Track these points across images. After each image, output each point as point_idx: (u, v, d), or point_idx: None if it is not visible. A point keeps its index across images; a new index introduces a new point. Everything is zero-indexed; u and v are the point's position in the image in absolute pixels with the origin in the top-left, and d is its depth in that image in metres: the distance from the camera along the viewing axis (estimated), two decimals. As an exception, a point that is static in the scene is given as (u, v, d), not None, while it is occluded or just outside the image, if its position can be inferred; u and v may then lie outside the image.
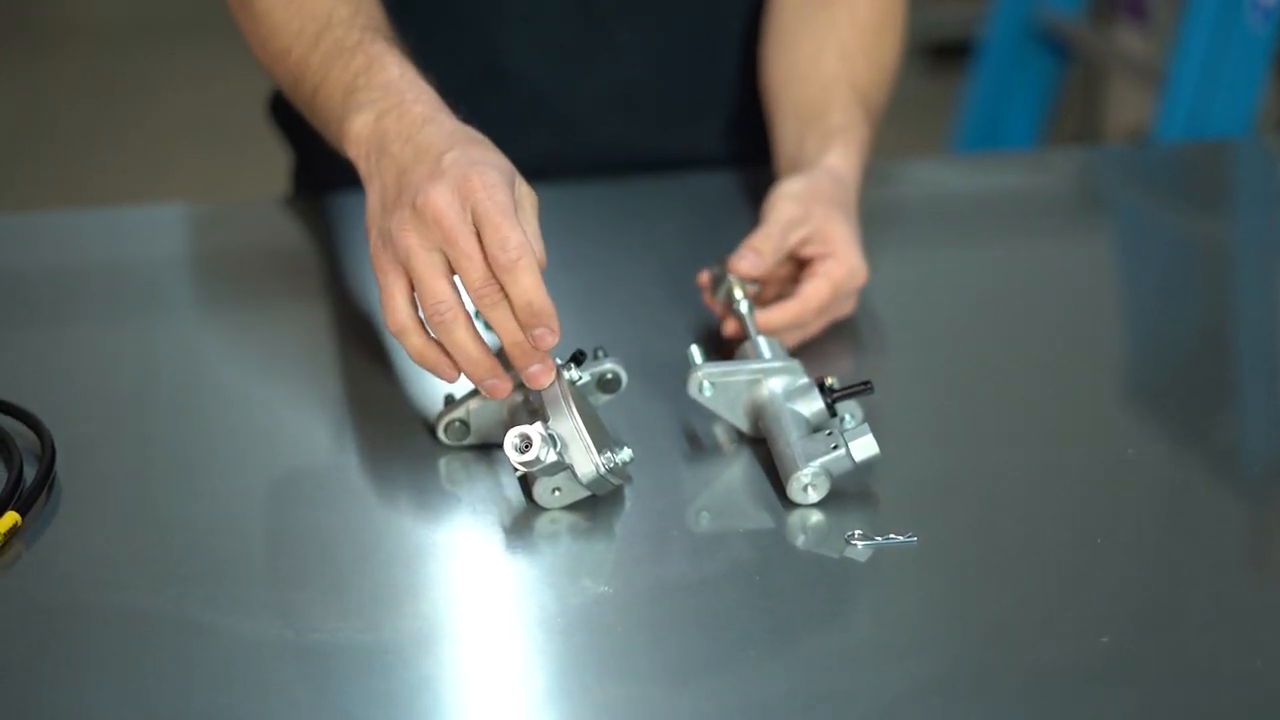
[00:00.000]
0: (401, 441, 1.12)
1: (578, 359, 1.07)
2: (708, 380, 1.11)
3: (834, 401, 1.09)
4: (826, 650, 0.95)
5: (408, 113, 1.10)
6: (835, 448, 1.04)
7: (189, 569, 1.01)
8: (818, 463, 1.04)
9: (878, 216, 1.35)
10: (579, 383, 1.08)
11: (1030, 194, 1.71)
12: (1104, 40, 3.27)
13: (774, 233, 1.22)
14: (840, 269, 1.22)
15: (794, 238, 1.23)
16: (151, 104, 4.56)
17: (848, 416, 1.10)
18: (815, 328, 1.24)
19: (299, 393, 1.23)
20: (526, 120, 1.55)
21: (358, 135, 1.11)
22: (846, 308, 1.26)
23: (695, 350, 1.13)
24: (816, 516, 1.07)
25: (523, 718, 0.91)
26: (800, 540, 1.05)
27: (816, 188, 1.26)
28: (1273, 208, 1.74)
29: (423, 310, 1.05)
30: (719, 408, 1.12)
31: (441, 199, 1.03)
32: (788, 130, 1.39)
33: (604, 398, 1.11)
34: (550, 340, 1.03)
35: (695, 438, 1.14)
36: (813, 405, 1.09)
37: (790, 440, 1.06)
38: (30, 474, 1.07)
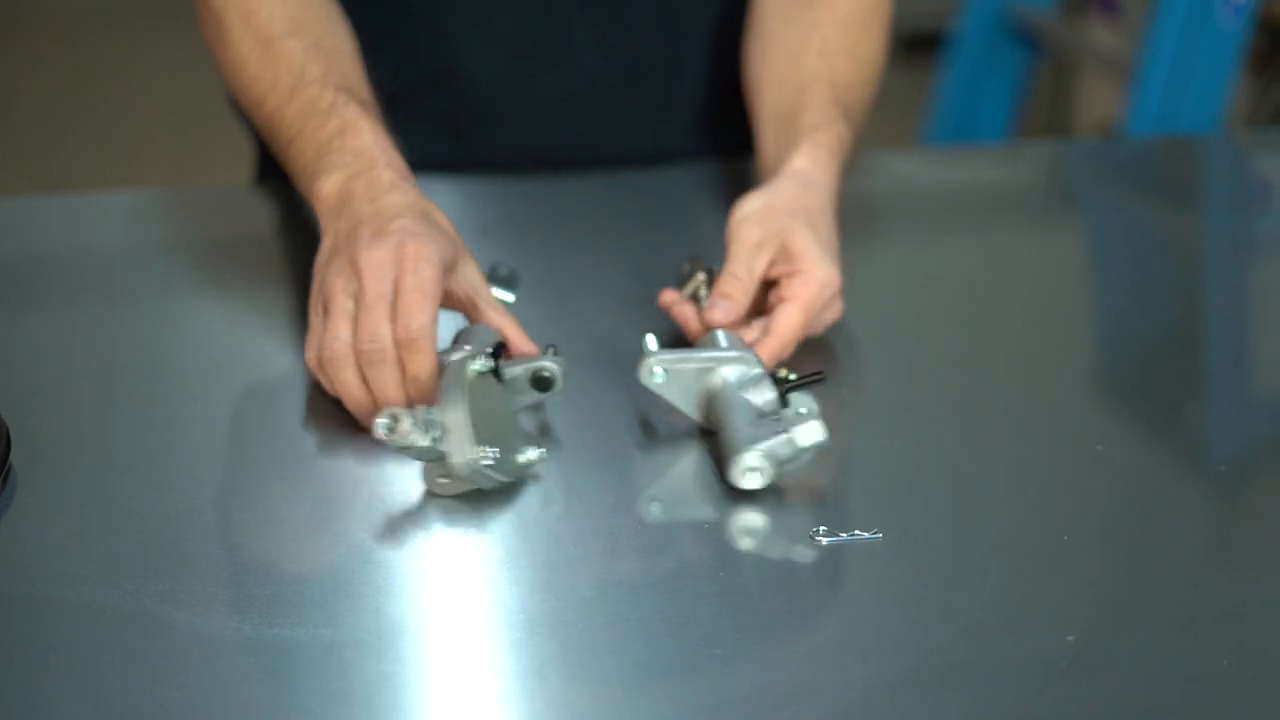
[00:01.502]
0: (363, 434, 1.10)
1: (496, 352, 1.07)
2: (660, 366, 1.10)
3: (786, 392, 1.07)
4: (792, 648, 0.94)
5: (376, 179, 1.16)
6: (779, 432, 1.03)
7: (147, 562, 0.99)
8: (761, 446, 1.03)
9: (849, 209, 1.33)
10: (505, 377, 1.08)
11: (1001, 187, 1.70)
12: (1076, 34, 3.27)
13: (740, 271, 1.18)
14: (808, 287, 1.17)
15: (760, 265, 1.19)
16: (120, 89, 4.54)
17: (802, 410, 1.08)
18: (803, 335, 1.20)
19: (260, 382, 1.22)
20: (482, 121, 1.55)
21: (326, 194, 1.18)
22: (831, 315, 1.22)
23: (650, 338, 1.12)
24: (781, 513, 1.06)
25: (484, 716, 0.90)
26: (764, 537, 1.04)
27: (775, 201, 1.23)
28: (1242, 203, 1.75)
29: (320, 341, 1.10)
30: (671, 395, 1.11)
31: (374, 256, 1.09)
32: (766, 135, 1.37)
33: (537, 395, 1.10)
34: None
35: (653, 430, 1.14)
36: (765, 395, 1.07)
37: (736, 425, 1.05)
38: (-15, 466, 1.05)
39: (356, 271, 1.09)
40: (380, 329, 1.08)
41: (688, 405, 1.11)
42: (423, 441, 1.00)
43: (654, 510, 1.06)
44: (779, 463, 1.03)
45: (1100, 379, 1.30)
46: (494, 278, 1.21)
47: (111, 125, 4.27)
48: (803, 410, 1.07)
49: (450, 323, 1.16)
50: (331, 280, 1.11)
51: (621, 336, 1.24)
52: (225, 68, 1.32)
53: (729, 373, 1.10)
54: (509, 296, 1.21)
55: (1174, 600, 0.99)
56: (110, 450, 1.13)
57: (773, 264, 1.20)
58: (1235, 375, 1.35)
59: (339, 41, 1.31)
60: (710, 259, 1.25)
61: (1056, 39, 3.18)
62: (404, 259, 1.09)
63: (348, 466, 1.09)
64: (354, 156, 1.18)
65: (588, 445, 1.12)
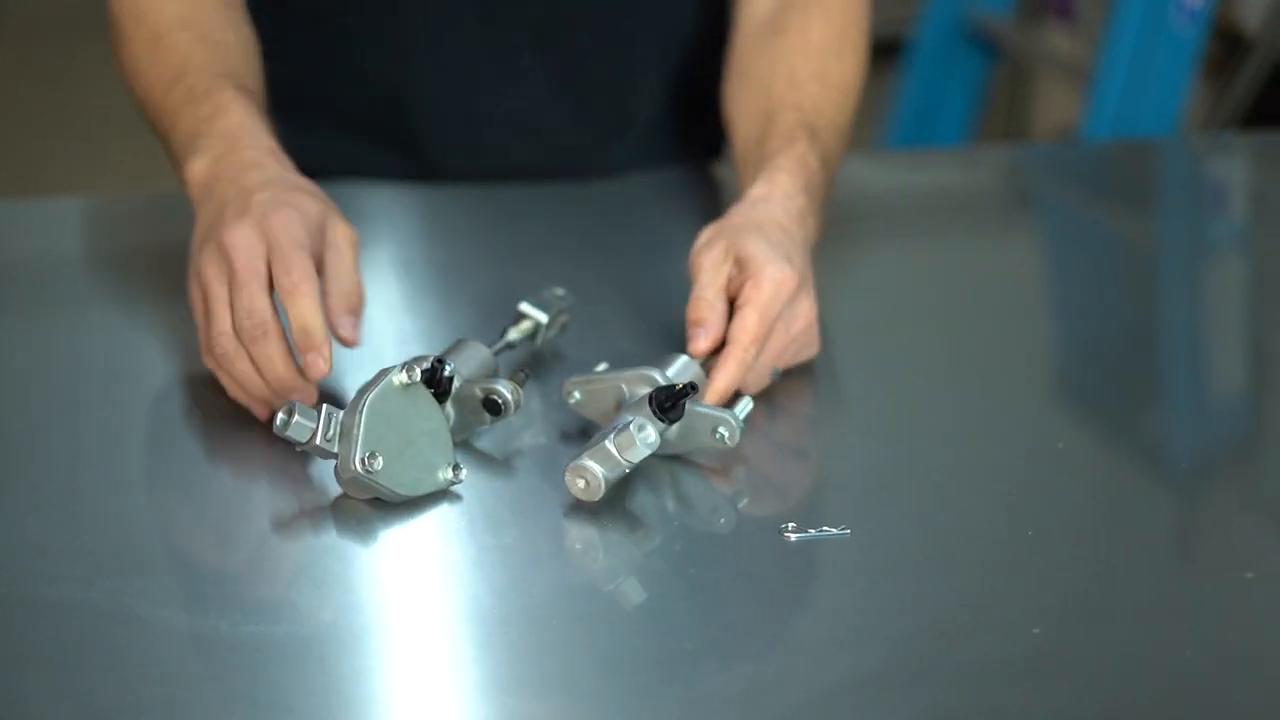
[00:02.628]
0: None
1: (432, 368, 1.06)
2: (576, 390, 1.12)
3: (664, 406, 1.05)
4: (762, 642, 0.96)
5: (238, 158, 1.16)
6: (601, 440, 1.03)
7: (124, 561, 1.00)
8: (582, 458, 1.03)
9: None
10: (458, 394, 1.09)
11: (960, 191, 1.72)
12: (1033, 40, 3.30)
13: (705, 293, 1.15)
14: (760, 288, 1.13)
15: (721, 279, 1.16)
16: (87, 95, 4.51)
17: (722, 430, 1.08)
18: (778, 360, 1.18)
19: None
20: (435, 144, 1.56)
21: (194, 178, 1.18)
22: (801, 325, 1.18)
23: (603, 365, 1.14)
24: (750, 509, 1.08)
25: (456, 712, 0.91)
26: (732, 532, 1.06)
27: (724, 223, 1.20)
28: (1198, 206, 1.77)
29: (207, 339, 1.10)
30: (592, 414, 1.13)
31: (237, 234, 1.09)
32: (739, 170, 1.37)
33: (489, 418, 1.10)
34: (321, 368, 1.08)
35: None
36: (638, 410, 1.06)
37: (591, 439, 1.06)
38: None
39: (225, 253, 1.09)
40: (257, 303, 1.08)
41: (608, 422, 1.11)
42: (309, 438, 1.02)
43: (622, 507, 1.06)
44: (604, 473, 1.03)
45: (1060, 379, 1.32)
46: (537, 298, 1.22)
47: (77, 132, 4.26)
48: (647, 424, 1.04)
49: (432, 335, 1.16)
50: (204, 269, 1.10)
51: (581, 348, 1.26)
52: (121, 67, 1.35)
53: (630, 388, 1.11)
54: (541, 316, 1.21)
55: (1137, 595, 1.00)
56: (80, 451, 1.14)
57: (730, 281, 1.16)
58: (1193, 375, 1.36)
59: (231, 35, 1.33)
60: (653, 266, 1.28)
61: (1013, 44, 3.21)
62: (269, 227, 1.09)
63: (318, 463, 1.09)
64: (220, 138, 1.18)
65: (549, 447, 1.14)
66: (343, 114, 1.56)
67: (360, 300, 1.14)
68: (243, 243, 1.09)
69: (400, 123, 1.55)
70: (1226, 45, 2.95)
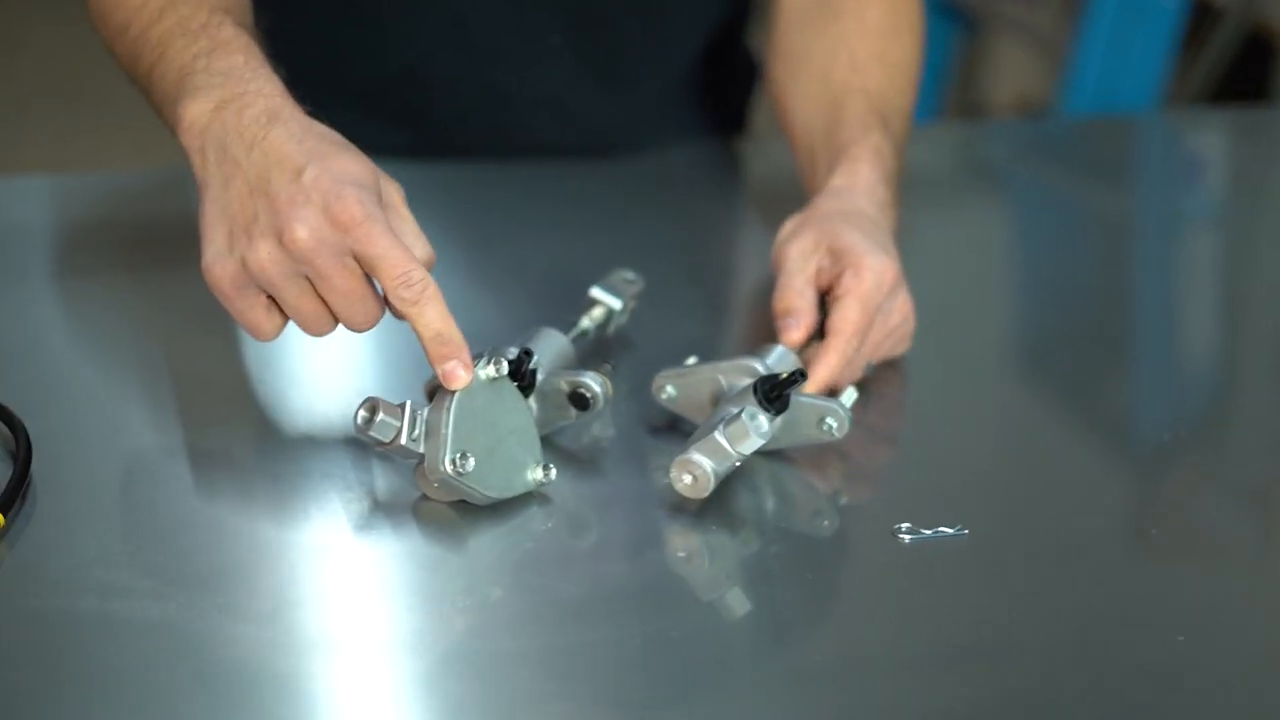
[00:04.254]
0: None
1: (518, 360, 1.00)
2: (669, 384, 1.06)
3: (770, 395, 0.99)
4: (893, 656, 0.89)
5: (250, 106, 0.99)
6: (710, 433, 0.97)
7: (195, 572, 0.92)
8: (690, 452, 0.97)
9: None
10: (542, 389, 1.02)
11: (928, 166, 1.65)
12: (996, 8, 3.26)
13: (794, 282, 1.10)
14: (863, 281, 1.08)
15: (811, 269, 1.11)
16: (4, 62, 4.37)
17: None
18: (874, 353, 1.12)
19: (292, 371, 1.14)
20: (453, 122, 1.49)
21: (191, 123, 1.00)
22: (898, 318, 1.13)
23: (693, 359, 1.08)
24: (854, 508, 1.03)
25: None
26: (841, 534, 1.00)
27: (811, 214, 1.15)
28: (1172, 181, 1.74)
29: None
30: (686, 410, 1.06)
31: (312, 235, 0.94)
32: (802, 157, 1.30)
33: (574, 413, 1.03)
34: (463, 377, 0.96)
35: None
36: (744, 401, 1.00)
37: (696, 432, 1.00)
38: (5, 470, 0.97)
39: (297, 258, 0.94)
40: (371, 307, 0.97)
41: (702, 418, 1.05)
42: (393, 438, 0.94)
43: (721, 508, 0.99)
44: (714, 466, 0.96)
45: (1026, 352, 1.29)
46: (608, 282, 1.15)
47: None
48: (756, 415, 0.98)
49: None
50: (262, 271, 0.95)
51: (649, 334, 1.19)
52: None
53: (729, 380, 1.04)
54: (615, 302, 1.14)
55: (1087, 578, 0.96)
56: (133, 450, 1.05)
57: (821, 273, 1.11)
58: (1162, 350, 1.33)
59: None
60: (693, 247, 1.22)
61: (978, 13, 3.17)
62: (349, 221, 0.94)
63: (392, 465, 1.01)
64: (223, 78, 1.01)
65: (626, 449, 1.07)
66: (354, 89, 1.47)
67: (432, 265, 1.01)
68: (321, 245, 0.94)
69: (417, 100, 1.47)
70: (1197, 16, 2.91)
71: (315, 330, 0.98)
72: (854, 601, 0.94)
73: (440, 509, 0.97)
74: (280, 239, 0.95)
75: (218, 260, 0.97)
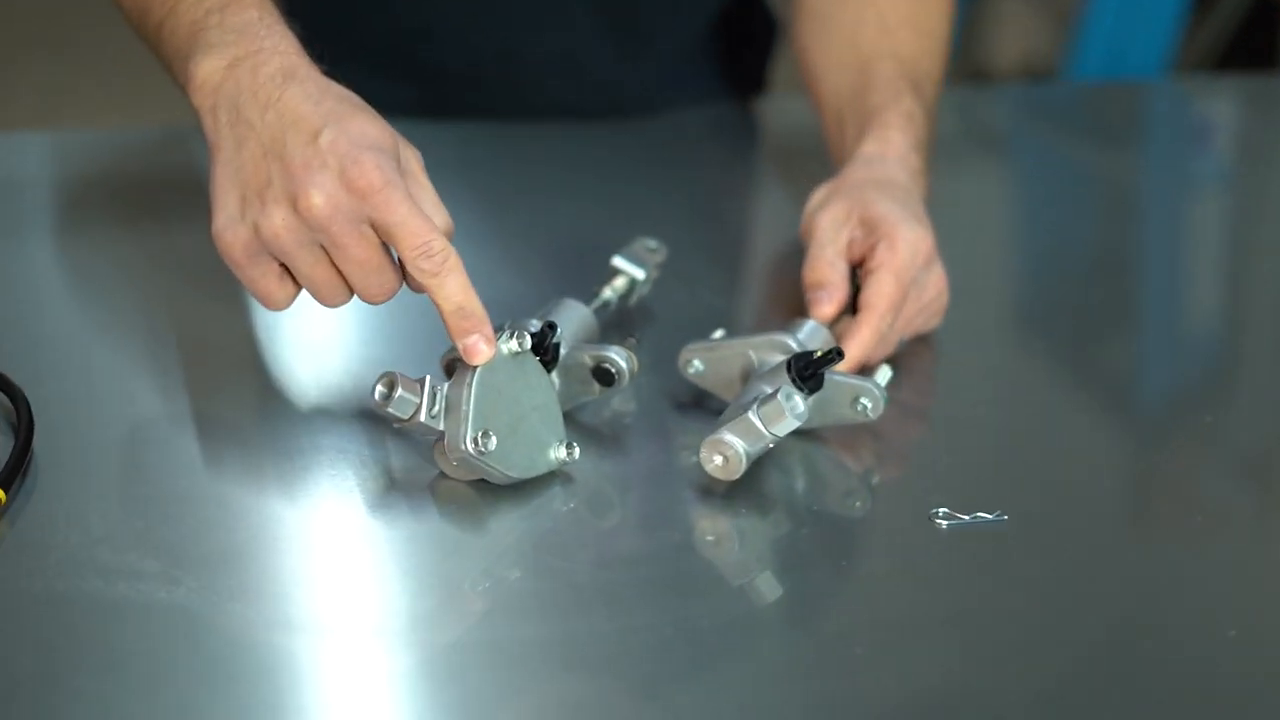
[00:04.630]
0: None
1: (541, 333, 0.96)
2: (696, 358, 1.02)
3: (804, 373, 0.96)
4: (935, 646, 0.85)
5: (265, 64, 0.94)
6: (744, 412, 0.93)
7: (207, 553, 0.88)
8: (721, 432, 0.93)
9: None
10: (565, 363, 0.98)
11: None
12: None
13: (826, 255, 1.06)
14: (897, 253, 1.05)
15: (842, 241, 1.07)
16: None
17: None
18: (907, 328, 1.09)
19: (306, 333, 1.10)
20: (466, 82, 1.45)
21: (204, 81, 0.95)
22: (933, 292, 1.09)
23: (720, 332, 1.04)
24: (888, 490, 1.00)
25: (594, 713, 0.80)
26: (875, 517, 0.97)
27: (841, 183, 1.12)
28: (1183, 148, 1.70)
29: (266, 300, 0.94)
30: (713, 386, 1.02)
31: (328, 201, 0.90)
32: (830, 122, 1.26)
33: (599, 389, 0.99)
34: (485, 351, 0.92)
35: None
36: (777, 379, 0.97)
37: (726, 411, 0.96)
38: (4, 444, 0.93)
39: (312, 225, 0.90)
40: (389, 278, 0.93)
41: (731, 395, 1.01)
42: (411, 415, 0.90)
43: (750, 489, 0.95)
44: (746, 448, 0.93)
45: (1029, 314, 1.26)
46: (630, 251, 1.11)
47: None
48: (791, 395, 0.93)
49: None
50: (276, 239, 0.91)
51: (670, 305, 1.15)
52: None
53: (766, 358, 1.00)
54: (638, 272, 1.11)
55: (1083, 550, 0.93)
56: (139, 422, 1.00)
57: (853, 244, 1.08)
58: (1166, 313, 1.31)
59: None
60: (714, 212, 1.17)
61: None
62: (367, 186, 0.90)
63: (409, 442, 0.97)
64: (236, 35, 0.96)
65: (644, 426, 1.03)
66: (364, 44, 1.43)
67: (451, 236, 0.96)
68: (337, 211, 0.90)
69: (428, 56, 1.43)
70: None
71: (329, 301, 0.94)
72: (889, 590, 0.90)
73: (459, 488, 0.94)
74: (295, 205, 0.90)
75: (229, 226, 0.92)
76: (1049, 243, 1.41)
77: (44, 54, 4.05)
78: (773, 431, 0.92)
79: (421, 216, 0.91)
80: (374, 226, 0.91)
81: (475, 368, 0.92)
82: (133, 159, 1.41)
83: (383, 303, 0.94)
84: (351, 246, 0.91)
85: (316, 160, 0.90)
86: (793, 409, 0.92)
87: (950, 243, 1.11)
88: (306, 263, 0.92)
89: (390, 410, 0.90)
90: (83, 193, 1.33)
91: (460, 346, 0.92)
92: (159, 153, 1.42)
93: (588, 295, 1.07)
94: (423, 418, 0.90)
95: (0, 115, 3.59)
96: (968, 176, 1.51)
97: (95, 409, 1.01)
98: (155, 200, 1.30)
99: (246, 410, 1.02)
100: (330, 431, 0.98)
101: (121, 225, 1.26)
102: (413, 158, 0.96)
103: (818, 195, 1.12)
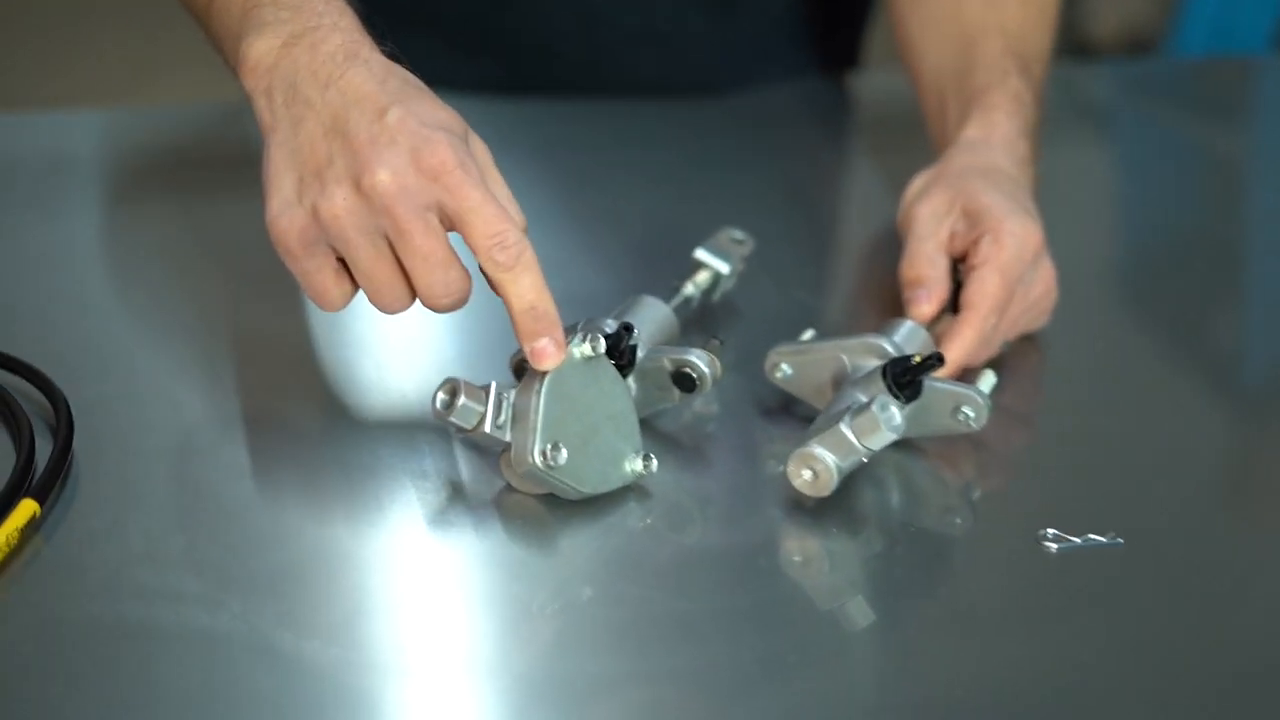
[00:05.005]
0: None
1: (616, 336, 0.88)
2: (784, 362, 0.95)
3: (902, 380, 0.89)
4: (1049, 691, 0.78)
5: (324, 42, 0.87)
6: (836, 424, 0.85)
7: (255, 574, 0.81)
8: (810, 445, 0.86)
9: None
10: (641, 368, 0.91)
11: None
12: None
13: (926, 250, 1.00)
14: (1003, 248, 0.97)
15: (944, 233, 1.00)
16: None
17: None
18: (1012, 328, 1.01)
19: (359, 333, 1.03)
20: (544, 55, 1.38)
21: (258, 62, 0.88)
22: (1041, 288, 1.02)
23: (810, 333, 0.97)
24: (991, 507, 0.92)
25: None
26: (977, 538, 0.89)
27: (943, 169, 1.05)
28: None
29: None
30: (802, 392, 0.95)
31: (395, 179, 0.83)
32: (930, 102, 1.18)
33: (678, 396, 0.91)
34: (554, 356, 0.85)
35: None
36: (873, 386, 0.90)
37: (815, 422, 0.89)
38: (43, 449, 0.86)
39: (376, 206, 0.83)
40: (454, 274, 0.85)
41: (821, 401, 0.94)
42: (475, 424, 0.83)
43: (841, 505, 0.88)
44: (838, 462, 0.85)
45: (1133, 292, 1.19)
46: (714, 243, 1.04)
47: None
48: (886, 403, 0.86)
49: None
50: (335, 222, 0.83)
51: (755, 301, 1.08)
52: None
53: (852, 360, 0.93)
54: (722, 266, 1.04)
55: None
56: (186, 428, 0.94)
57: (955, 237, 1.01)
58: (1273, 294, 1.23)
59: None
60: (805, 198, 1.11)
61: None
62: (440, 168, 0.83)
63: (474, 452, 0.91)
64: (292, 11, 0.89)
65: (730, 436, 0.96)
66: (434, 15, 1.36)
67: (524, 230, 0.88)
68: (403, 193, 0.82)
69: (503, 27, 1.36)
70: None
71: (388, 301, 0.87)
72: (994, 623, 0.82)
73: (527, 503, 0.87)
74: (359, 184, 0.83)
75: (284, 211, 0.85)
76: (1155, 225, 1.34)
77: (134, 27, 4.01)
78: (866, 445, 0.85)
79: (496, 204, 0.84)
80: (444, 215, 0.84)
81: (545, 373, 0.85)
82: (190, 137, 1.34)
83: (445, 308, 0.86)
84: (417, 235, 0.84)
85: (384, 136, 0.83)
86: (888, 420, 0.85)
87: (1052, 228, 1.03)
88: (367, 254, 0.85)
89: (453, 420, 0.84)
90: (135, 174, 1.27)
91: (528, 350, 0.85)
92: (219, 128, 1.35)
93: (667, 291, 1.00)
94: (487, 428, 0.84)
95: (87, 89, 3.56)
96: (1068, 155, 1.42)
97: (140, 413, 0.94)
98: (213, 183, 1.24)
99: (302, 416, 0.95)
100: (391, 440, 0.91)
101: (175, 211, 1.19)
102: (482, 150, 0.89)
103: (917, 183, 1.05)
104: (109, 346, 1.02)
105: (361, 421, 0.95)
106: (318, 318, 1.03)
